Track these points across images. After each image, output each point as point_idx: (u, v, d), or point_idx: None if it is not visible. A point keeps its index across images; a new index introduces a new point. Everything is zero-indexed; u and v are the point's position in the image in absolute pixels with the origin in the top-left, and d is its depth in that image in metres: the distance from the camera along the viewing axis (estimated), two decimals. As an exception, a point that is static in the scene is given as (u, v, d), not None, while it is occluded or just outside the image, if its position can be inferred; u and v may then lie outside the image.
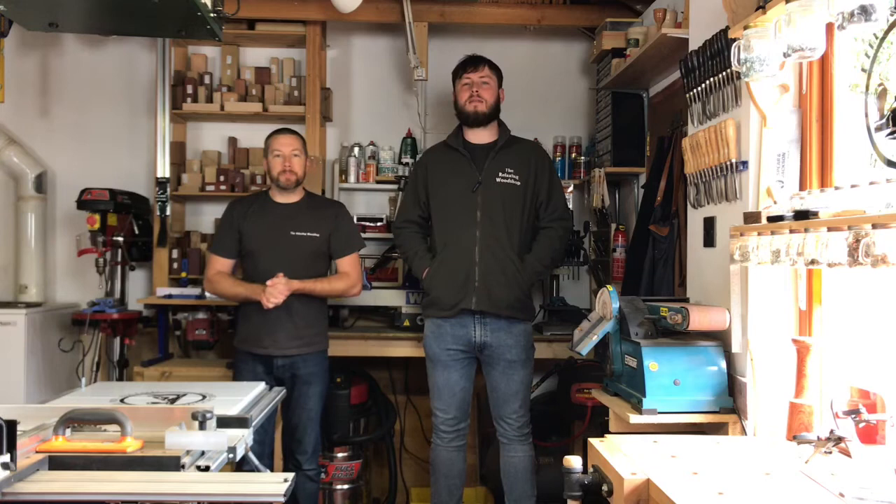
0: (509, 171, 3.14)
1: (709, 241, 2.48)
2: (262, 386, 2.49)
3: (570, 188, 3.94)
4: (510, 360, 3.09)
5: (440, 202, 3.20)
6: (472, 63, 3.20)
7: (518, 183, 3.13)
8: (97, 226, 3.78)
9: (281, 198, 3.22)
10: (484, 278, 3.06)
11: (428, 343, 3.18)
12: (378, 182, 4.15)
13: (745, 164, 2.22)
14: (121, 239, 3.87)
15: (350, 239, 3.27)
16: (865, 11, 1.52)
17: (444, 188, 3.20)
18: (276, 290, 3.00)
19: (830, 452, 1.70)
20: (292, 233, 3.15)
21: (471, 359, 3.16)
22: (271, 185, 3.27)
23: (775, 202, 2.12)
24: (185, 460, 1.67)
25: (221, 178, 4.08)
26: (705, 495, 1.52)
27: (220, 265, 3.21)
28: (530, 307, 3.21)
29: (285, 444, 3.27)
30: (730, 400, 2.23)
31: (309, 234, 3.17)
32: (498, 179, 3.13)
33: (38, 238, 4.16)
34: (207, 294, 3.67)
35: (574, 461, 1.84)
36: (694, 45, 2.55)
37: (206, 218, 4.30)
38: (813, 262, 1.66)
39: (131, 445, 1.69)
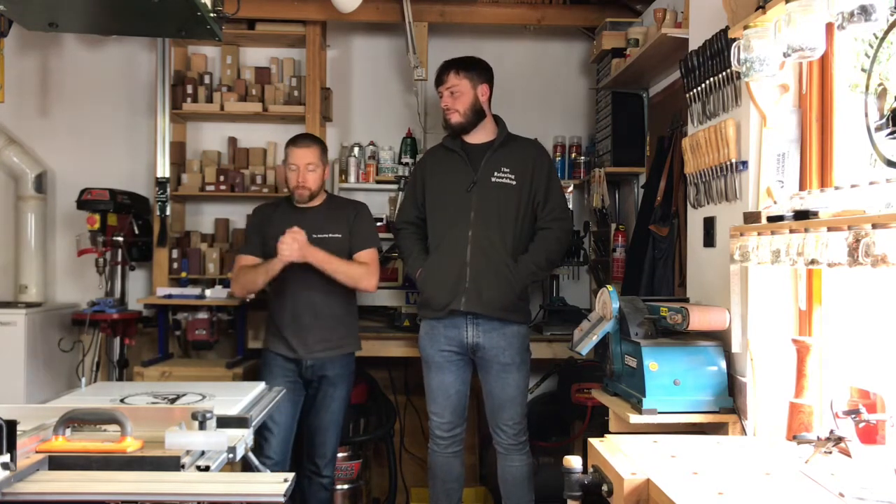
0: (505, 170, 3.10)
1: (709, 241, 2.48)
2: (261, 386, 2.49)
3: (570, 188, 3.94)
4: (504, 363, 3.04)
5: (435, 202, 3.18)
6: (438, 75, 3.17)
7: (514, 183, 3.09)
8: (97, 226, 3.78)
9: (302, 202, 3.24)
10: (475, 279, 3.02)
11: (422, 345, 3.16)
12: (378, 182, 4.15)
13: (745, 164, 2.22)
14: (121, 239, 3.87)
15: (369, 235, 3.29)
16: (865, 11, 1.52)
17: (439, 188, 3.18)
18: (290, 237, 2.98)
19: (830, 452, 1.70)
20: (315, 236, 3.12)
21: (465, 361, 3.13)
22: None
23: (775, 202, 2.12)
24: (185, 460, 1.67)
25: (221, 178, 4.08)
26: (705, 495, 1.52)
27: (246, 262, 3.23)
28: (525, 310, 3.16)
29: (300, 448, 3.25)
30: (730, 400, 2.23)
31: (331, 235, 3.18)
32: (493, 179, 3.09)
33: (38, 238, 4.16)
34: (207, 295, 3.69)
35: (574, 461, 1.84)
36: (694, 45, 2.55)
37: (206, 218, 4.31)
38: (813, 262, 1.66)
39: (131, 445, 1.69)
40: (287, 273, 3.09)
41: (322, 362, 3.18)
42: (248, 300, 3.66)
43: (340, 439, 3.56)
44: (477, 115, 3.13)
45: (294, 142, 3.23)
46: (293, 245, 2.99)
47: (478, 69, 3.15)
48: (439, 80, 3.16)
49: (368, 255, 3.24)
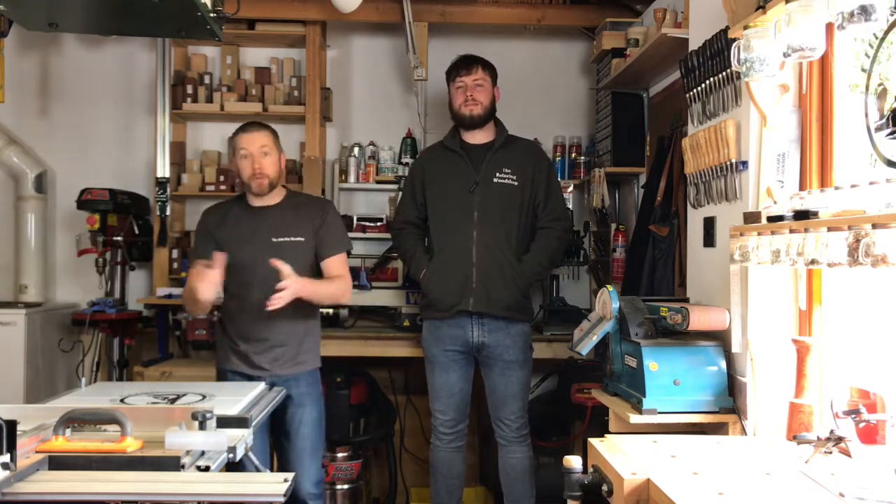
0: (507, 171, 3.12)
1: (709, 241, 2.48)
2: (262, 386, 2.49)
3: (570, 188, 3.94)
4: (508, 361, 3.07)
5: (437, 203, 3.19)
6: (465, 65, 3.16)
7: (516, 183, 3.12)
8: (97, 226, 3.78)
9: (258, 201, 2.85)
10: (482, 279, 3.04)
11: (426, 345, 3.17)
12: (378, 182, 4.15)
13: (745, 164, 2.22)
14: (121, 239, 3.88)
15: (339, 238, 2.92)
16: (865, 11, 1.52)
17: (441, 189, 3.18)
18: (283, 292, 2.58)
19: (830, 452, 1.70)
20: (274, 239, 2.79)
21: (468, 359, 3.14)
22: (245, 188, 2.88)
23: (775, 202, 2.12)
24: (185, 460, 1.67)
25: (221, 178, 4.08)
26: (705, 495, 1.52)
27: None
28: (528, 308, 3.19)
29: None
30: (730, 400, 2.23)
31: (292, 238, 2.81)
32: (496, 179, 3.11)
33: (38, 238, 4.16)
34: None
35: (574, 461, 1.84)
36: (694, 45, 2.54)
37: (206, 218, 4.30)
38: (813, 262, 1.66)
39: (131, 445, 1.69)
40: (243, 289, 2.78)
41: (285, 381, 2.78)
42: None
43: (339, 438, 3.57)
44: (491, 113, 3.18)
45: (241, 129, 2.84)
46: (288, 293, 2.59)
47: (495, 71, 3.23)
48: (465, 71, 3.14)
49: (338, 263, 2.87)
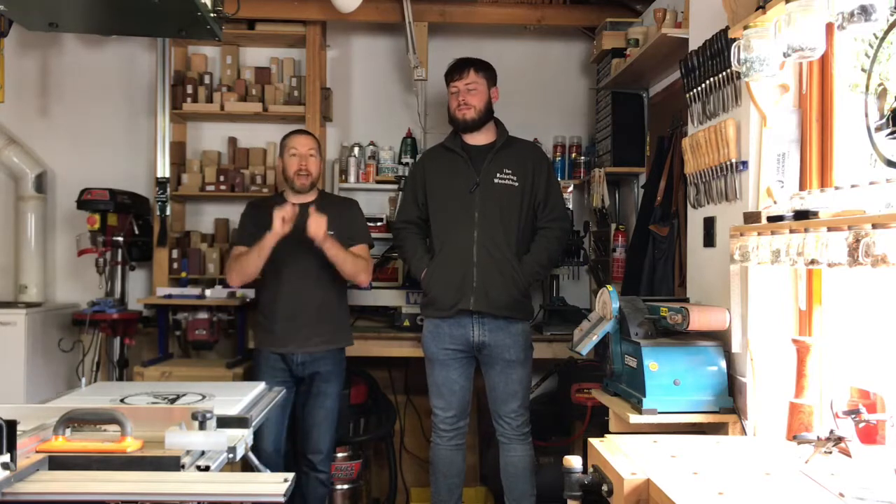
0: (507, 171, 3.14)
1: (709, 241, 2.48)
2: (261, 386, 2.49)
3: (570, 188, 3.94)
4: (508, 360, 3.09)
5: (438, 203, 3.21)
6: (457, 70, 3.19)
7: (516, 184, 3.14)
8: (97, 226, 3.77)
9: (296, 199, 3.21)
10: (482, 279, 3.07)
11: (426, 343, 3.19)
12: (378, 182, 4.15)
13: (745, 164, 2.22)
14: (121, 239, 3.87)
15: (363, 230, 3.31)
16: (865, 11, 1.53)
17: (442, 189, 3.21)
18: (318, 216, 2.99)
19: (830, 452, 1.71)
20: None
21: (469, 358, 3.16)
22: (285, 186, 3.29)
23: (775, 202, 2.12)
24: (185, 460, 1.67)
25: (221, 178, 4.08)
26: (705, 495, 1.52)
27: (241, 251, 3.18)
28: (528, 307, 3.21)
29: (296, 446, 3.28)
30: (730, 400, 2.23)
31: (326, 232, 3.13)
32: (496, 180, 3.13)
33: (38, 238, 4.16)
34: (207, 295, 3.71)
35: (574, 461, 1.85)
36: (694, 45, 2.55)
37: (206, 218, 4.31)
38: (813, 262, 1.66)
39: (131, 445, 1.69)
40: (279, 267, 3.09)
41: (314, 358, 3.17)
42: (248, 300, 3.66)
43: (339, 438, 3.57)
44: (487, 115, 3.20)
45: (294, 132, 3.30)
46: (321, 224, 2.98)
47: (492, 72, 3.25)
48: (458, 75, 3.17)
49: (362, 251, 3.24)
